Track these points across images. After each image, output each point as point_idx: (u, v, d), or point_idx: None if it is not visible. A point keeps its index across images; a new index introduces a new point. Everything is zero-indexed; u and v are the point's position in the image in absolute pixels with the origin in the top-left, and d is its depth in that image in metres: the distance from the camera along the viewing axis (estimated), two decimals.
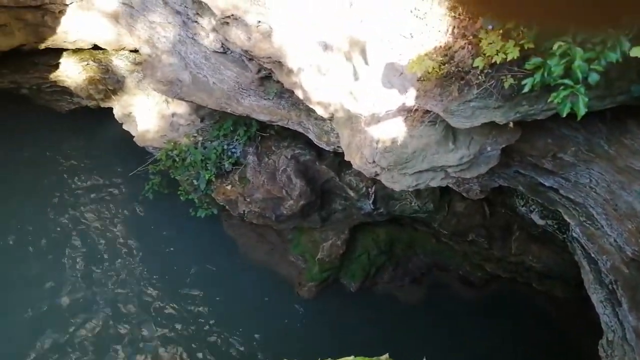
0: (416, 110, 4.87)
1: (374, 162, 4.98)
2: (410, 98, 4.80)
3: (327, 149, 7.20)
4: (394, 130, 4.99)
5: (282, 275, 9.94)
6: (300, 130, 7.34)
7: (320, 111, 5.50)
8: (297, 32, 5.18)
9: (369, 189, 8.47)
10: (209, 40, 6.65)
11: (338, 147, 6.65)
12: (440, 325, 9.57)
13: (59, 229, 9.76)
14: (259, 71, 6.76)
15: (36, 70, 9.65)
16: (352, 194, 8.73)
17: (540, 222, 7.72)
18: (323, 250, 9.36)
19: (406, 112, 4.98)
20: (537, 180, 6.17)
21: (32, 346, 8.27)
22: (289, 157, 8.47)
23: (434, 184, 5.87)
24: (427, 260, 10.40)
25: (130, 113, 9.36)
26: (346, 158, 5.36)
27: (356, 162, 5.35)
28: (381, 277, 10.21)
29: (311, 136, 7.27)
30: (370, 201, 8.60)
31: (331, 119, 5.54)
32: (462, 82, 4.35)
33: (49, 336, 8.45)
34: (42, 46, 8.88)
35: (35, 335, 8.39)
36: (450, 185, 6.82)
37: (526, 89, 3.63)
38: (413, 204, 8.73)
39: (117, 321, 8.89)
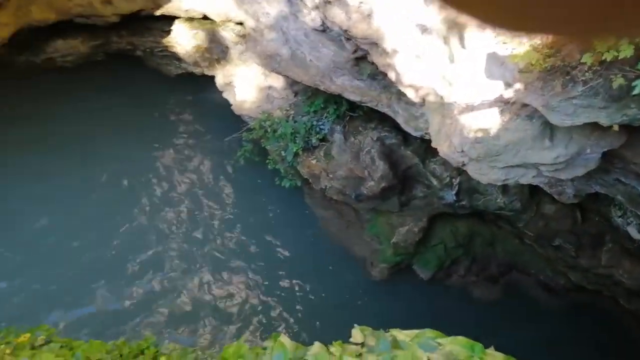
0: (514, 102, 4.71)
1: (462, 151, 4.90)
2: (509, 89, 4.64)
3: (414, 134, 7.16)
4: (488, 120, 4.86)
5: (355, 252, 10.12)
6: (389, 113, 7.34)
7: (411, 94, 5.48)
8: (397, 14, 5.17)
9: (453, 180, 8.30)
10: (310, 17, 6.81)
11: (426, 133, 6.59)
12: (513, 327, 9.27)
13: (160, 177, 10.62)
14: (355, 51, 6.83)
15: (150, 35, 10.44)
16: (435, 182, 8.62)
17: (638, 236, 7.17)
18: (399, 234, 9.37)
19: (503, 103, 4.83)
20: (639, 191, 5.73)
21: (139, 284, 9.19)
22: (374, 138, 8.51)
23: (523, 181, 5.66)
24: (507, 260, 10.04)
25: (231, 82, 9.86)
26: (433, 144, 5.32)
27: (444, 150, 5.29)
28: (456, 270, 10.03)
29: (399, 120, 7.25)
30: (453, 192, 8.44)
31: (422, 103, 5.50)
32: (566, 77, 4.14)
33: (149, 279, 9.33)
34: (158, 13, 9.58)
35: (140, 277, 9.29)
36: (541, 186, 6.52)
37: (636, 91, 3.39)
38: (499, 200, 8.44)
39: (189, 273, 9.57)
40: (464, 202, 8.59)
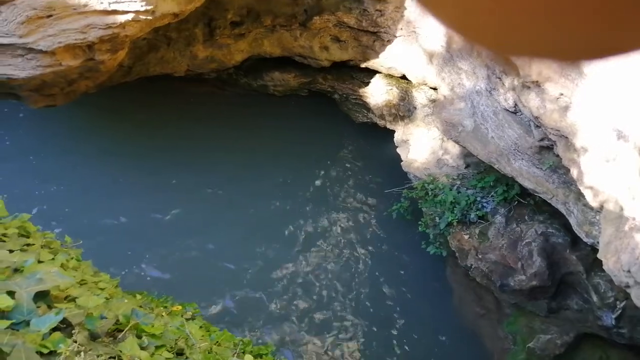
0: None
1: (629, 271, 4.49)
2: None
3: (585, 239, 6.66)
4: None
5: (485, 343, 9.51)
6: (563, 210, 6.96)
7: (589, 197, 5.21)
8: (595, 114, 5.04)
9: (617, 302, 7.41)
10: (504, 97, 6.92)
11: (597, 242, 6.11)
12: None
13: (311, 213, 11.44)
14: (541, 139, 6.72)
15: (351, 82, 11.50)
16: (595, 298, 7.79)
17: None
18: (538, 341, 8.59)
19: None
20: None
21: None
22: (538, 232, 8.08)
23: None
24: None
25: (408, 140, 10.32)
26: (599, 256, 4.94)
27: (609, 265, 4.88)
28: None
29: (572, 221, 6.82)
30: (614, 316, 7.52)
31: (599, 209, 5.18)
32: None
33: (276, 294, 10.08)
34: (363, 65, 10.57)
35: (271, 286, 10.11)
36: None
37: None
38: None
39: (320, 308, 9.97)
40: (623, 330, 7.58)
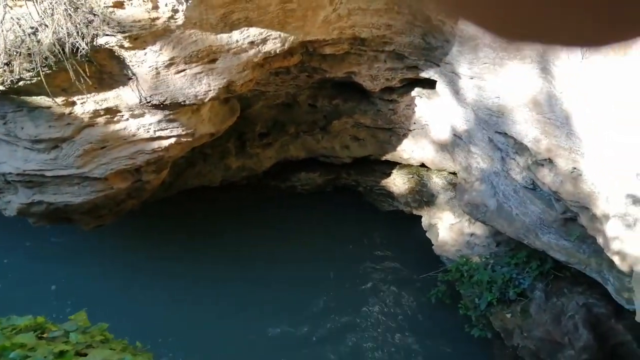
0: None
1: None
2: None
3: (626, 306, 6.64)
4: None
5: None
6: (598, 279, 7.02)
7: (618, 262, 5.38)
8: (608, 183, 5.37)
9: None
10: (521, 176, 7.32)
11: None
12: None
13: (347, 301, 11.52)
14: (564, 212, 6.99)
15: (373, 175, 12.11)
16: None
17: None
18: None
19: None
20: None
21: None
22: (580, 304, 8.02)
23: None
24: None
25: (435, 224, 10.63)
26: (637, 319, 5.00)
27: None
28: None
29: (610, 289, 6.85)
30: None
31: (630, 274, 5.32)
32: None
33: None
34: (383, 158, 11.23)
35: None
36: None
37: None
38: None
39: None
40: None
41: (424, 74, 8.18)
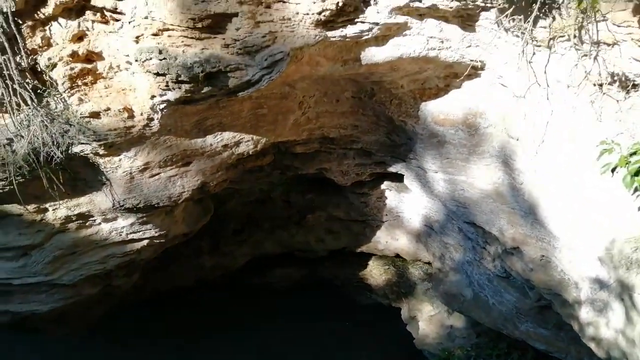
0: None
1: None
2: None
3: None
4: None
5: None
6: None
7: (594, 349, 5.36)
8: (574, 268, 5.51)
9: None
10: (493, 264, 7.44)
11: None
12: None
13: None
14: (538, 300, 7.04)
15: (349, 267, 12.07)
16: None
17: None
18: None
19: None
20: None
21: None
22: None
23: None
24: None
25: (415, 317, 10.49)
26: None
27: None
28: None
29: None
30: None
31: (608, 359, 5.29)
32: None
33: None
34: (358, 250, 11.27)
35: None
36: None
37: None
38: None
39: None
40: None
41: (392, 169, 8.53)
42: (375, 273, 11.44)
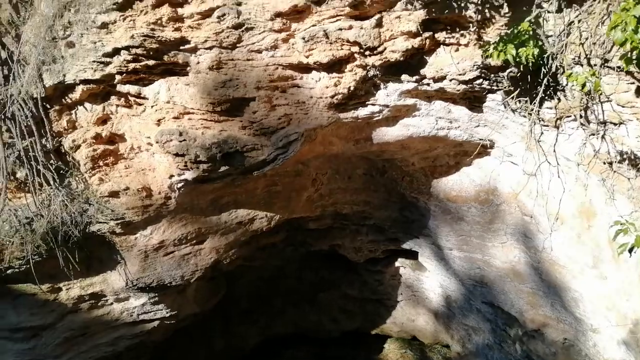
0: None
1: None
2: None
3: None
4: None
5: None
6: None
7: None
8: (601, 354, 5.25)
9: None
10: (514, 348, 7.12)
11: None
12: None
13: None
14: None
15: (364, 349, 11.58)
16: None
17: None
18: None
19: None
20: None
21: None
22: None
23: None
24: None
25: None
26: None
27: None
28: None
29: None
30: None
31: None
32: None
33: None
34: (373, 332, 10.89)
35: None
36: None
37: None
38: None
39: None
40: None
41: (406, 245, 8.45)
42: (392, 356, 10.96)
